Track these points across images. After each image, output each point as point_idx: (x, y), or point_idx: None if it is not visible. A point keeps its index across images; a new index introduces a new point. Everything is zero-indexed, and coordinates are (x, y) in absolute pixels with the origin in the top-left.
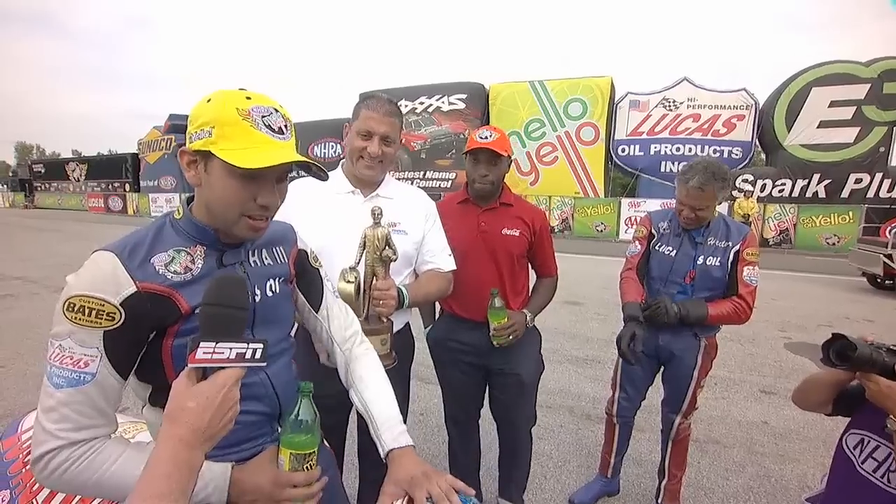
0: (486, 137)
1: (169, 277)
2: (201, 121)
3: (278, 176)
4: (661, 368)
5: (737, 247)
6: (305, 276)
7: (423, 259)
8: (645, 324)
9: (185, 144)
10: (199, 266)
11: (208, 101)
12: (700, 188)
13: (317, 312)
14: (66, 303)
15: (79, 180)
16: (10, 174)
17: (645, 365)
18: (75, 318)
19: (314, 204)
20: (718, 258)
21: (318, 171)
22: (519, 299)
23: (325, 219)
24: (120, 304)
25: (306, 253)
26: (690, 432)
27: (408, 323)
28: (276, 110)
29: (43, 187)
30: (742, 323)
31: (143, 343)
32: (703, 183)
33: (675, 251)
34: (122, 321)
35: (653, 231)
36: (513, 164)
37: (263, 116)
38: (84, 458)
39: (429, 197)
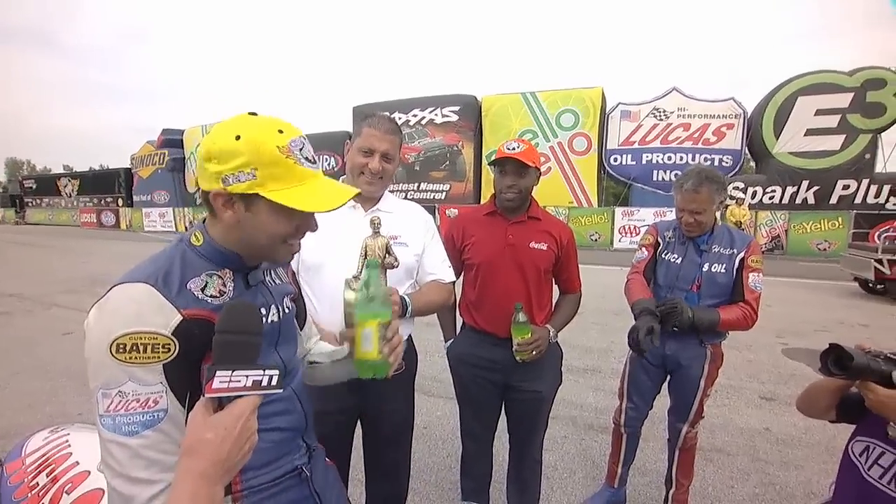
0: (514, 148)
1: (209, 301)
2: (238, 162)
3: None
4: (668, 378)
5: (742, 254)
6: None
7: (425, 271)
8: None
9: (199, 179)
10: (231, 288)
11: (237, 137)
12: (695, 190)
13: (301, 329)
14: (114, 345)
15: (70, 195)
16: (1, 190)
17: (651, 374)
18: (130, 358)
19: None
20: (724, 265)
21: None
22: (543, 314)
23: (327, 234)
24: (172, 334)
25: (294, 272)
26: (697, 441)
27: (410, 335)
28: (303, 138)
29: (34, 203)
30: (748, 328)
31: (197, 371)
32: (698, 185)
33: (680, 259)
34: (177, 351)
35: (658, 239)
36: None
37: (301, 149)
38: None
39: (426, 210)
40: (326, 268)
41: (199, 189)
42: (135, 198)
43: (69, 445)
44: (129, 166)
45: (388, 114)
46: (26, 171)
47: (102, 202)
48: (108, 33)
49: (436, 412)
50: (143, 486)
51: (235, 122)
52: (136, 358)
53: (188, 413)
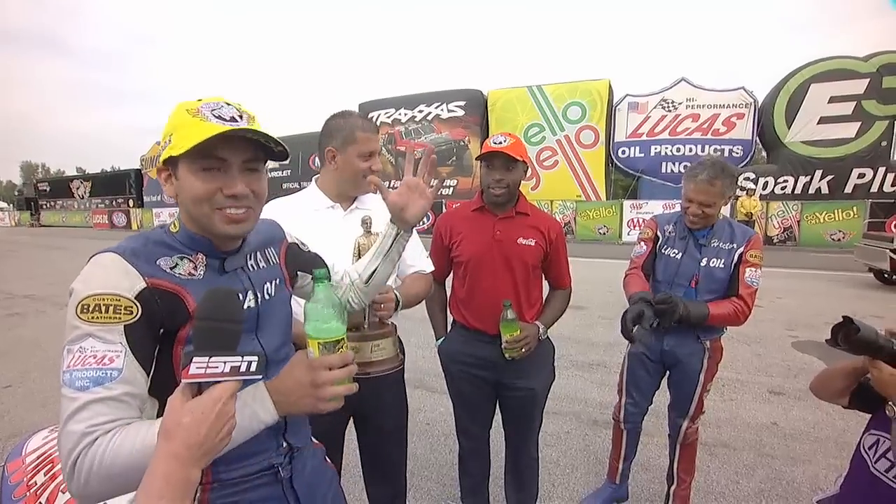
0: (501, 142)
1: (176, 275)
2: (164, 135)
3: (245, 165)
4: (667, 373)
5: (741, 249)
6: (301, 263)
7: (406, 264)
8: (654, 313)
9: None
10: (202, 273)
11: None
12: (709, 182)
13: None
14: (80, 305)
15: (83, 197)
16: (16, 193)
17: (650, 370)
18: (92, 317)
19: (295, 222)
20: (722, 260)
21: (278, 149)
22: (533, 311)
23: (310, 235)
24: (135, 298)
25: (297, 245)
26: (699, 436)
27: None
28: (228, 104)
29: (48, 205)
30: (741, 324)
31: (157, 339)
32: (713, 177)
33: (680, 254)
34: (139, 315)
35: (658, 233)
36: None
37: (213, 110)
38: (113, 439)
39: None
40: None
41: None
42: (145, 198)
43: None
44: (139, 167)
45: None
46: (41, 174)
47: (114, 203)
48: (111, 36)
49: (438, 408)
50: (77, 438)
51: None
52: (97, 318)
53: (153, 378)
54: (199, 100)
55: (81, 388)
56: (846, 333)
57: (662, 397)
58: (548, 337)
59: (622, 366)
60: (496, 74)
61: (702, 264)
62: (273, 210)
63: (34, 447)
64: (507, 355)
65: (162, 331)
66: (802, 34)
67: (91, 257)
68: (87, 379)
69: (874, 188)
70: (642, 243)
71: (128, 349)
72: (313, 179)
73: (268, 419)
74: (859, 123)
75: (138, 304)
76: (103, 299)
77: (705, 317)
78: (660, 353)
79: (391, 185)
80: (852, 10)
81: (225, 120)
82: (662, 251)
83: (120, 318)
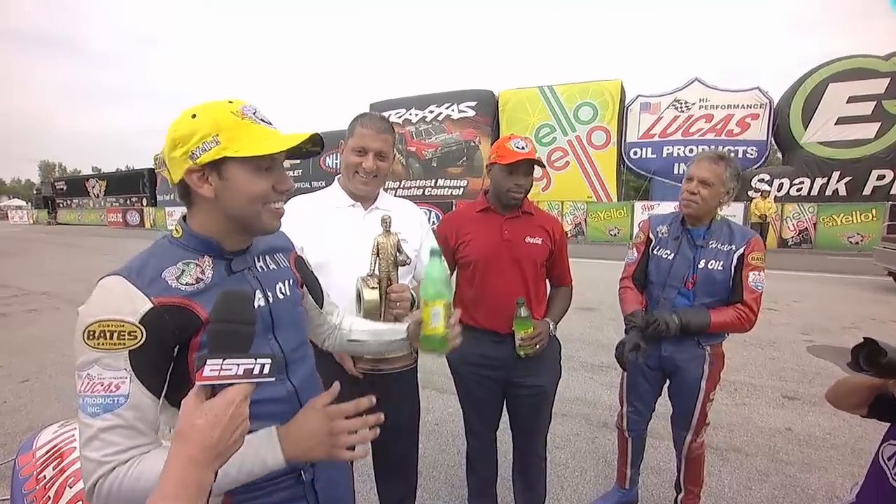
0: (524, 148)
1: (182, 289)
2: (200, 135)
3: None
4: (667, 381)
5: (741, 250)
6: (307, 278)
7: (423, 264)
8: (647, 338)
9: (171, 166)
10: (210, 275)
11: (193, 116)
12: (713, 161)
13: (321, 308)
14: (86, 332)
15: (98, 196)
16: (35, 192)
17: (650, 378)
18: (98, 344)
19: (317, 219)
20: (721, 262)
21: (317, 143)
22: (541, 308)
23: (330, 233)
24: (139, 322)
25: (303, 259)
26: (705, 449)
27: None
28: (254, 105)
29: (65, 204)
30: (746, 330)
31: (170, 358)
32: (719, 157)
33: (673, 254)
34: (144, 339)
35: (650, 235)
36: None
37: (254, 112)
38: (131, 468)
39: (418, 207)
40: (333, 266)
41: (175, 188)
42: (158, 197)
43: (76, 439)
44: (153, 166)
45: (379, 113)
46: (58, 173)
47: (128, 202)
48: (121, 38)
49: (447, 409)
50: (94, 466)
51: (187, 109)
52: (103, 344)
53: (164, 400)
54: (231, 101)
55: (93, 415)
56: (869, 356)
57: (667, 401)
58: (556, 334)
59: (621, 374)
60: (507, 75)
61: (699, 266)
62: (297, 205)
63: (44, 441)
64: (521, 353)
65: (178, 347)
66: (817, 33)
67: (99, 280)
68: (98, 406)
69: (894, 190)
70: (634, 249)
71: (132, 374)
72: (336, 178)
73: (273, 465)
74: (879, 124)
75: (143, 328)
76: (108, 325)
77: (706, 325)
78: (658, 359)
79: (401, 186)
80: (867, 9)
81: (267, 122)
82: (655, 252)
83: (125, 344)
